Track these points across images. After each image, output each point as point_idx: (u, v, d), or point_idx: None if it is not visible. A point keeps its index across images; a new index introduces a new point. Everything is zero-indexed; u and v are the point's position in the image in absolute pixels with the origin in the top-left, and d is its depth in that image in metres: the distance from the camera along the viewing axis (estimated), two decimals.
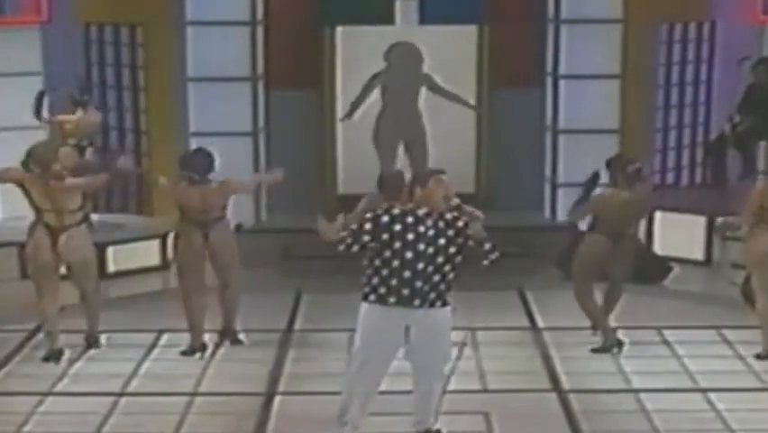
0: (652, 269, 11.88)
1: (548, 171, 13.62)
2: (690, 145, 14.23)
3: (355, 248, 7.52)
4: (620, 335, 10.03)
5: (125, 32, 13.60)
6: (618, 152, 11.60)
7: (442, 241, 7.48)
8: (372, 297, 7.53)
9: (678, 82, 14.01)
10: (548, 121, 13.57)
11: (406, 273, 7.44)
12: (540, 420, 8.48)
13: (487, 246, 7.55)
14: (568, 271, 10.57)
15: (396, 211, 7.54)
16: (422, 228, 7.47)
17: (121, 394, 8.97)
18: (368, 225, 7.50)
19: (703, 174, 14.19)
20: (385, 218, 7.50)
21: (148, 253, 12.55)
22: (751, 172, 13.44)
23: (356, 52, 13.47)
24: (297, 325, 10.84)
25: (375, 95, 13.23)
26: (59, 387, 9.18)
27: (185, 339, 10.06)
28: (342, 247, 7.56)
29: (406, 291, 7.46)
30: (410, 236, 7.45)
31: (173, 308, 10.29)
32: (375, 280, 7.50)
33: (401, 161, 13.00)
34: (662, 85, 13.86)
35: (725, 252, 12.43)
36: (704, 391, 8.94)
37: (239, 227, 11.74)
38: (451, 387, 8.55)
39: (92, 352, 9.95)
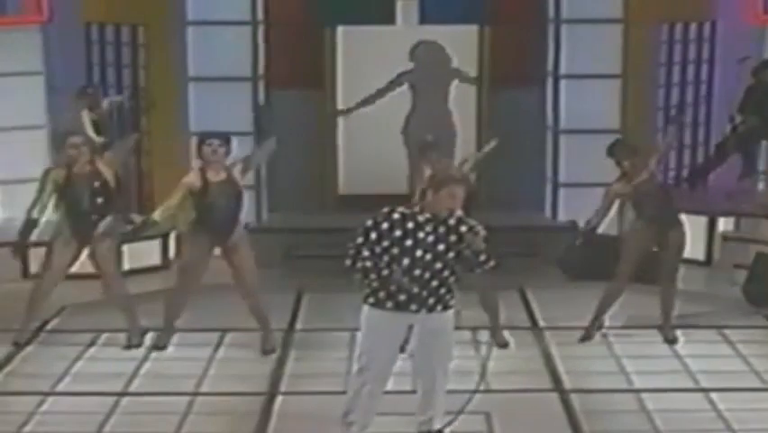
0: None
1: (549, 171, 13.62)
2: (691, 145, 14.23)
3: (359, 264, 7.44)
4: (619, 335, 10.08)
5: (126, 32, 13.60)
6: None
7: (441, 247, 7.41)
8: (371, 300, 7.52)
9: (678, 82, 14.01)
10: (549, 121, 13.57)
11: (404, 279, 7.43)
12: (541, 420, 8.47)
13: (482, 257, 7.45)
14: (569, 271, 10.56)
15: (396, 216, 7.45)
16: (421, 234, 7.40)
17: (121, 394, 8.96)
18: (361, 239, 7.43)
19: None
20: (384, 225, 7.43)
21: (148, 253, 12.55)
22: (751, 173, 13.45)
23: (356, 52, 13.48)
24: (299, 324, 10.83)
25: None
26: (60, 387, 9.17)
27: (185, 339, 10.07)
28: (348, 262, 7.48)
29: (402, 297, 7.44)
30: (408, 243, 7.40)
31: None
32: (375, 284, 7.47)
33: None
34: (662, 85, 13.85)
35: (725, 252, 12.43)
36: (705, 390, 8.93)
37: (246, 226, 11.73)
38: (451, 387, 8.53)
39: (91, 351, 9.95)
